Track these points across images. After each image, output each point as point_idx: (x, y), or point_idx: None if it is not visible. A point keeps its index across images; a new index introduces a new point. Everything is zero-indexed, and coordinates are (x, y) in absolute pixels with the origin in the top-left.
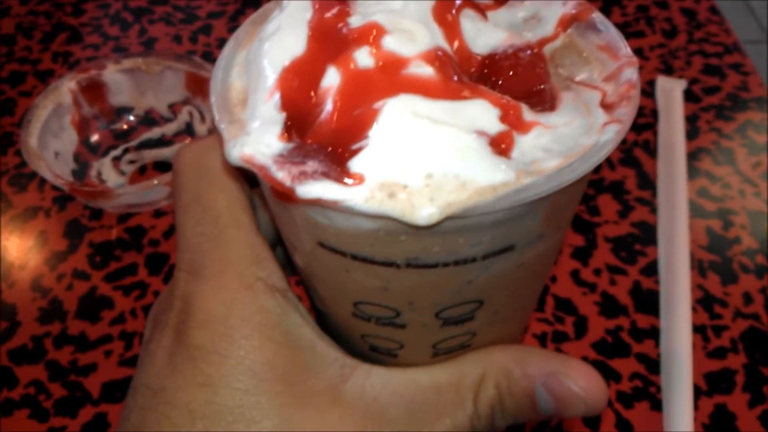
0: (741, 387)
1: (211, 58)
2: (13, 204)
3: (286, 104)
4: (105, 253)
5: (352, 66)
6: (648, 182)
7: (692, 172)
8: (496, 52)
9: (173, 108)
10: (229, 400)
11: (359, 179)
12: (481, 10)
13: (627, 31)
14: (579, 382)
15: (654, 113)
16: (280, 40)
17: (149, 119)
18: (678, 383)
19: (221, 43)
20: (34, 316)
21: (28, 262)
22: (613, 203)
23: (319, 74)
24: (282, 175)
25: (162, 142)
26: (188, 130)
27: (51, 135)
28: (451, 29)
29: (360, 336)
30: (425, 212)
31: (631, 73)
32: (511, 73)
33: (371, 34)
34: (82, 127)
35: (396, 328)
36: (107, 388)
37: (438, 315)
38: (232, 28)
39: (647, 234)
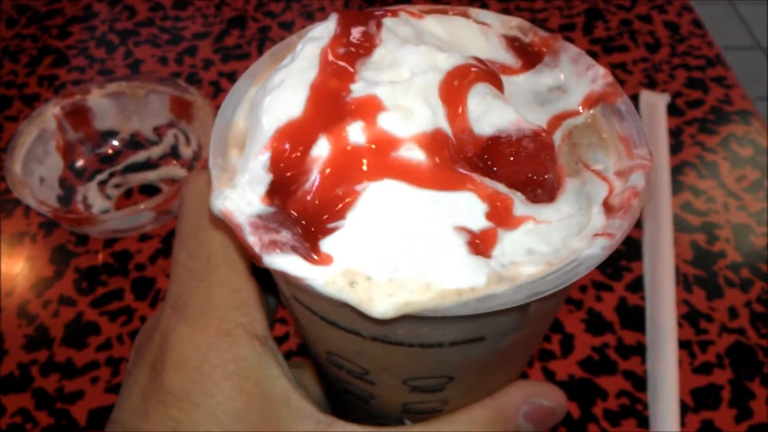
0: (727, 402)
1: (195, 78)
2: (0, 229)
3: (274, 166)
4: (91, 278)
5: (342, 140)
6: None
7: (677, 186)
8: (500, 135)
9: (158, 131)
10: None
11: (326, 261)
12: (497, 83)
13: (610, 45)
14: (547, 397)
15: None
16: (281, 97)
17: (135, 143)
18: (664, 400)
19: (206, 63)
20: (20, 343)
21: (15, 289)
22: None
23: (311, 141)
24: (253, 240)
25: (148, 165)
26: (173, 153)
27: (36, 161)
28: (454, 108)
29: (334, 378)
30: (381, 307)
31: (639, 179)
32: (512, 159)
33: (368, 109)
34: (67, 153)
35: (366, 383)
36: (94, 416)
37: (406, 382)
38: (217, 49)
39: (633, 249)
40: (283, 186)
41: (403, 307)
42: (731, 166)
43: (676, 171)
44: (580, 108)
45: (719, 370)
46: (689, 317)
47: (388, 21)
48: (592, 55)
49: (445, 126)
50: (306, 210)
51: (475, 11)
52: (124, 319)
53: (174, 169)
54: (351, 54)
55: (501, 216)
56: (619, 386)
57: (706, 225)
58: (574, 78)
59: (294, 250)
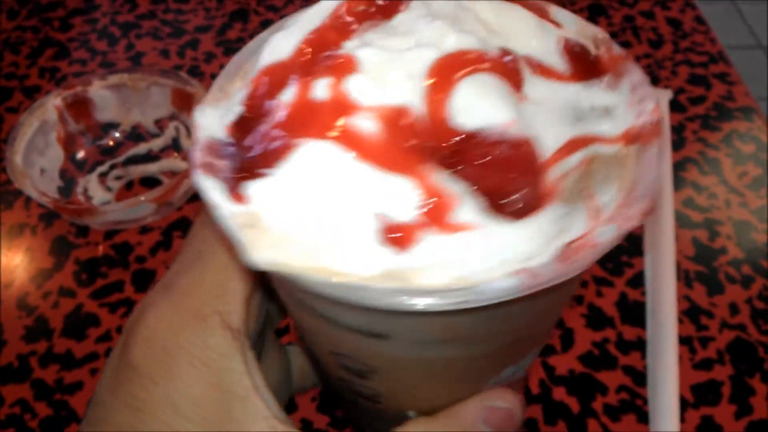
0: (727, 398)
1: (197, 71)
2: (0, 220)
3: (247, 101)
4: (91, 270)
5: (304, 92)
6: None
7: (678, 182)
8: (477, 133)
9: (160, 123)
10: (156, 428)
11: (241, 200)
12: (513, 78)
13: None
14: (502, 399)
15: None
16: (280, 38)
17: (136, 135)
18: (664, 395)
19: (208, 57)
20: (19, 334)
21: (14, 280)
22: None
23: (283, 86)
24: (196, 156)
25: (149, 157)
26: (175, 146)
27: (36, 152)
28: (438, 91)
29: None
30: (256, 255)
31: (606, 233)
32: (479, 161)
33: (342, 68)
34: (68, 144)
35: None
36: None
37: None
38: (219, 42)
39: (634, 245)
40: (246, 122)
41: (274, 264)
42: (733, 162)
43: (679, 167)
44: (616, 139)
45: (719, 366)
46: (690, 313)
47: None
48: None
49: (418, 106)
50: (250, 150)
51: (555, 9)
52: (123, 310)
53: (175, 162)
54: (365, 13)
55: (433, 215)
56: (619, 381)
57: (707, 221)
58: (626, 106)
59: (222, 180)
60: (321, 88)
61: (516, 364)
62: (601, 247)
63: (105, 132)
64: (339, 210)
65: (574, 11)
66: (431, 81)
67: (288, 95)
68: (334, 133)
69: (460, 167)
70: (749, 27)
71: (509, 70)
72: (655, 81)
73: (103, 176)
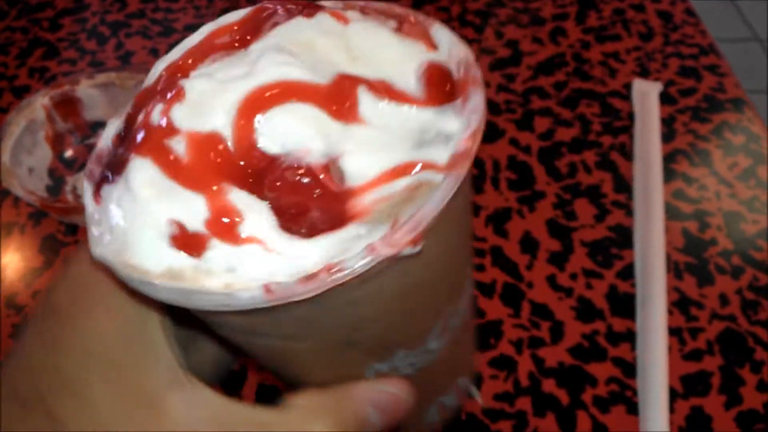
0: (717, 389)
1: None
2: None
3: (125, 117)
4: None
5: (147, 115)
6: (624, 185)
7: (669, 174)
8: (278, 158)
9: None
10: (63, 364)
11: (98, 201)
12: (344, 108)
13: (603, 34)
14: (392, 385)
15: (630, 116)
16: (159, 62)
17: None
18: (654, 386)
19: None
20: (7, 332)
21: (3, 280)
22: (589, 207)
23: (143, 109)
24: (89, 160)
25: None
26: None
27: (25, 151)
28: (245, 118)
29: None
30: (97, 250)
31: (358, 260)
32: (276, 184)
33: (174, 95)
34: (57, 143)
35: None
36: None
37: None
38: None
39: (624, 237)
40: (121, 135)
41: (101, 258)
42: (724, 154)
43: (669, 159)
44: (442, 167)
45: (709, 356)
46: (679, 304)
47: (297, 20)
48: (585, 44)
49: (226, 132)
50: (110, 159)
51: (437, 27)
52: None
53: None
54: (226, 44)
55: (218, 228)
56: (609, 373)
57: (698, 212)
58: (462, 133)
59: (93, 183)
60: (155, 112)
61: (383, 361)
62: (343, 272)
63: (93, 131)
64: (142, 214)
65: (564, 5)
66: (239, 110)
67: (140, 116)
68: (152, 152)
69: (259, 188)
70: (744, 19)
71: (336, 97)
72: (645, 74)
73: None
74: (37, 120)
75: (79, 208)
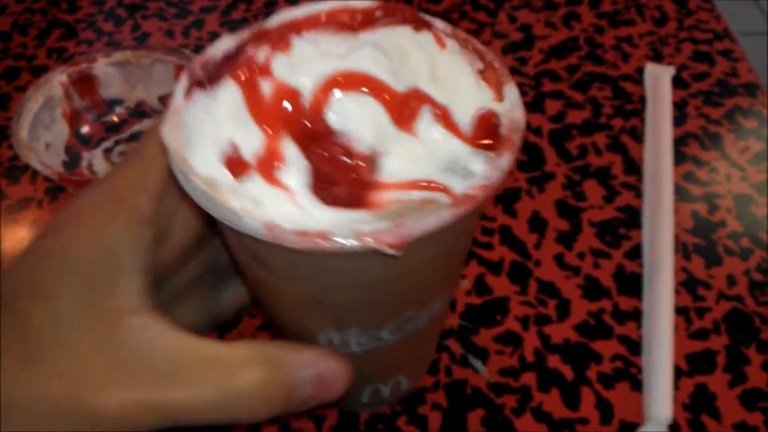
0: (722, 367)
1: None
2: (7, 195)
3: (236, 46)
4: None
5: (254, 52)
6: (634, 167)
7: (679, 157)
8: (335, 134)
9: (164, 100)
10: (40, 270)
11: (188, 99)
12: (405, 117)
13: (617, 19)
14: (334, 362)
15: (642, 99)
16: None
17: (140, 112)
18: (659, 363)
19: (213, 36)
20: None
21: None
22: (599, 189)
23: (250, 44)
24: (194, 60)
25: None
26: None
27: (42, 127)
28: (324, 91)
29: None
30: (162, 132)
31: (347, 239)
32: (322, 152)
33: (279, 44)
34: (74, 120)
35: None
36: None
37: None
38: (224, 23)
39: (632, 218)
40: (229, 56)
41: (166, 142)
42: (735, 137)
43: (680, 142)
44: (453, 197)
45: (715, 336)
46: (687, 284)
47: (405, 29)
48: (599, 29)
49: (306, 93)
50: (211, 70)
51: (510, 86)
52: None
53: None
54: (343, 23)
55: (262, 165)
56: (614, 350)
57: (707, 195)
58: (482, 176)
59: (189, 81)
60: (261, 53)
61: (338, 331)
62: (329, 243)
63: (110, 108)
64: (214, 126)
65: None
66: (325, 81)
67: (250, 49)
68: (244, 83)
69: (309, 149)
70: (761, 10)
71: (403, 106)
72: (658, 58)
73: (107, 151)
74: (55, 97)
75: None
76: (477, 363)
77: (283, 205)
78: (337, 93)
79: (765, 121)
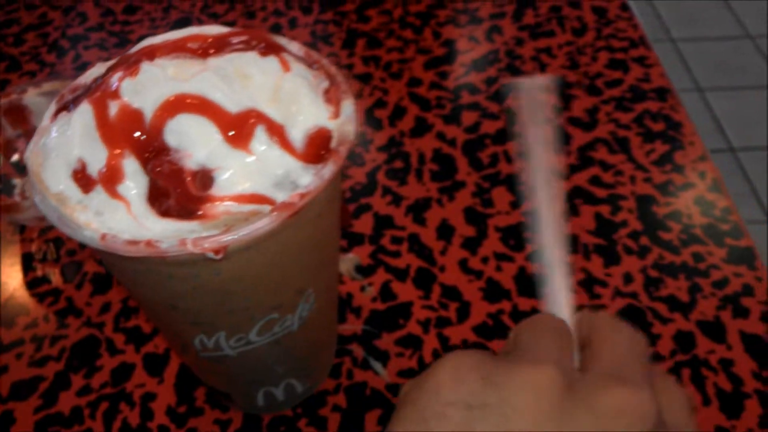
0: None
1: None
2: None
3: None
4: (26, 263)
5: (109, 78)
6: None
7: (587, 162)
8: (170, 150)
9: None
10: None
11: (53, 120)
12: (240, 135)
13: (538, 31)
14: None
15: (555, 108)
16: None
17: None
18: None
19: None
20: None
21: None
22: (507, 195)
23: (111, 72)
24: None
25: None
26: None
27: None
28: (162, 112)
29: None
30: (26, 155)
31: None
32: (158, 168)
33: (131, 70)
34: (7, 149)
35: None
36: (14, 388)
37: None
38: None
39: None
40: (97, 80)
41: (27, 159)
42: (642, 140)
43: (589, 148)
44: (274, 206)
45: None
46: (585, 284)
47: (252, 54)
48: (519, 41)
49: (148, 114)
50: (78, 94)
51: (348, 103)
52: (50, 300)
53: None
54: (194, 49)
55: (106, 180)
56: None
57: (611, 197)
58: (304, 187)
59: (58, 105)
60: (115, 78)
61: (209, 337)
62: (156, 250)
63: None
64: (66, 145)
65: (502, 4)
66: (163, 103)
67: (108, 76)
68: (95, 104)
69: (147, 164)
70: (736, 17)
71: (238, 126)
72: (574, 67)
73: None
74: None
75: (12, 205)
76: (377, 365)
77: (122, 217)
78: (173, 114)
79: (673, 123)
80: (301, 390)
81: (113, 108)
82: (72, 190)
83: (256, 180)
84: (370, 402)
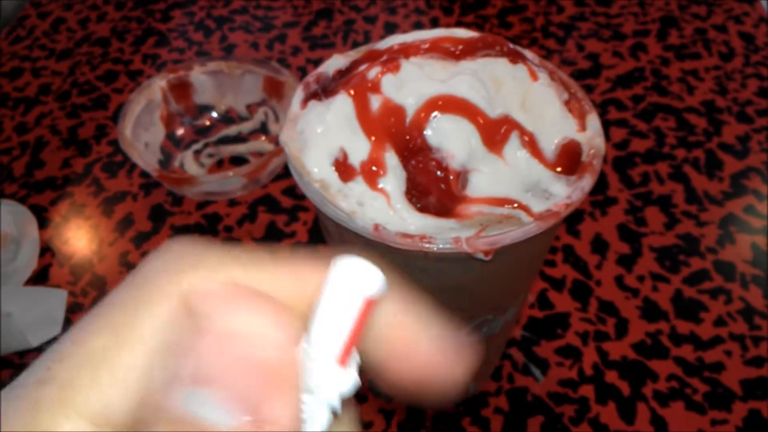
0: None
1: (284, 64)
2: (105, 188)
3: (348, 64)
4: (184, 235)
5: (367, 71)
6: (695, 197)
7: (740, 190)
8: (431, 148)
9: (250, 108)
10: None
11: (303, 107)
12: (494, 140)
13: (683, 52)
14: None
15: (706, 132)
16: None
17: (228, 118)
18: None
19: (294, 50)
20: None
21: (117, 240)
22: (659, 215)
23: (363, 63)
24: (309, 75)
25: (238, 139)
26: (263, 129)
27: (142, 128)
28: (423, 111)
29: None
30: (280, 135)
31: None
32: (420, 165)
33: (390, 66)
34: (169, 122)
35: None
36: None
37: None
38: (305, 38)
39: (691, 245)
40: (342, 72)
41: (283, 143)
42: None
43: (741, 176)
44: (534, 215)
45: None
46: (744, 313)
47: (502, 60)
48: (665, 61)
49: (410, 111)
50: (325, 83)
51: (592, 117)
52: None
53: (262, 144)
54: (446, 50)
55: (368, 172)
56: (669, 370)
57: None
58: (562, 198)
59: (305, 93)
60: (373, 72)
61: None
62: (429, 245)
63: (201, 113)
64: (326, 133)
65: (645, 22)
66: (426, 102)
67: (362, 67)
68: (356, 96)
69: (407, 160)
70: None
71: (494, 130)
72: (723, 92)
73: (197, 153)
74: (155, 100)
75: (190, 179)
76: (537, 372)
77: (382, 208)
78: (436, 113)
79: None
80: (473, 389)
81: (375, 102)
82: (332, 178)
83: (509, 184)
84: (532, 408)
